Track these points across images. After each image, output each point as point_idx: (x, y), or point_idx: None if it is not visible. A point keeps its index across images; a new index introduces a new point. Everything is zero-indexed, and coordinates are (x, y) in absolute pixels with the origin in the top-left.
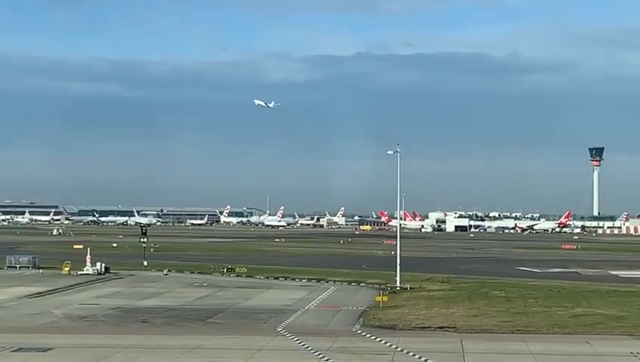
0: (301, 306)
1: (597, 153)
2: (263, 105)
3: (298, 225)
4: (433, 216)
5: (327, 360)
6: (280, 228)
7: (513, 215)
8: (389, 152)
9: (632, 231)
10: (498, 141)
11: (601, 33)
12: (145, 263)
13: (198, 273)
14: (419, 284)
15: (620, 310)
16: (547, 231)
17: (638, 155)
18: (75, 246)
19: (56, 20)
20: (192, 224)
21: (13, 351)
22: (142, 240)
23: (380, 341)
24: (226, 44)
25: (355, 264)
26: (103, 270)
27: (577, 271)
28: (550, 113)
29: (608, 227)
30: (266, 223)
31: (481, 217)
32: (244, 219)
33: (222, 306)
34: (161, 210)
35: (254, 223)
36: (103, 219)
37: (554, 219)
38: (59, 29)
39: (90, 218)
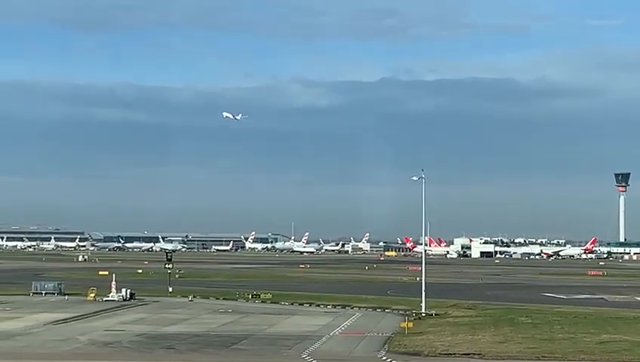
0: (326, 332)
1: (623, 178)
2: (231, 117)
3: (323, 251)
4: (458, 242)
5: None
6: (308, 253)
7: (539, 241)
8: (414, 178)
9: None
10: (524, 166)
11: (627, 57)
12: (170, 289)
13: (223, 299)
14: (444, 310)
15: None
16: (573, 257)
17: None
18: (100, 273)
19: (80, 47)
20: (217, 250)
21: None
22: (167, 266)
23: None
24: (251, 70)
25: (380, 290)
26: (128, 296)
27: (604, 297)
28: (576, 138)
29: (635, 253)
30: (295, 249)
31: (506, 243)
32: (269, 245)
33: (247, 332)
34: (187, 236)
35: (279, 249)
36: (128, 245)
37: (580, 245)
38: (83, 56)
39: (116, 244)
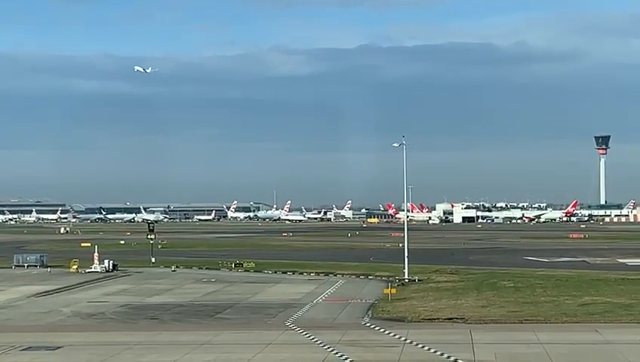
0: (310, 300)
1: (603, 141)
2: (142, 70)
3: (305, 219)
4: (440, 208)
5: (337, 353)
6: (290, 222)
7: (520, 205)
8: (395, 145)
9: (639, 219)
10: (504, 131)
11: (607, 21)
12: (153, 260)
13: (206, 269)
14: (427, 276)
15: (628, 298)
16: (554, 220)
17: None
18: (82, 244)
19: (60, 18)
20: (200, 220)
21: (23, 349)
22: (149, 236)
23: (389, 333)
24: (231, 38)
25: (363, 257)
26: (110, 267)
27: (585, 260)
28: (556, 102)
29: (615, 215)
30: (282, 218)
31: (488, 208)
32: (252, 214)
33: (230, 301)
34: (168, 207)
35: (261, 218)
36: (110, 216)
37: (561, 209)
38: (63, 27)
39: (97, 215)
